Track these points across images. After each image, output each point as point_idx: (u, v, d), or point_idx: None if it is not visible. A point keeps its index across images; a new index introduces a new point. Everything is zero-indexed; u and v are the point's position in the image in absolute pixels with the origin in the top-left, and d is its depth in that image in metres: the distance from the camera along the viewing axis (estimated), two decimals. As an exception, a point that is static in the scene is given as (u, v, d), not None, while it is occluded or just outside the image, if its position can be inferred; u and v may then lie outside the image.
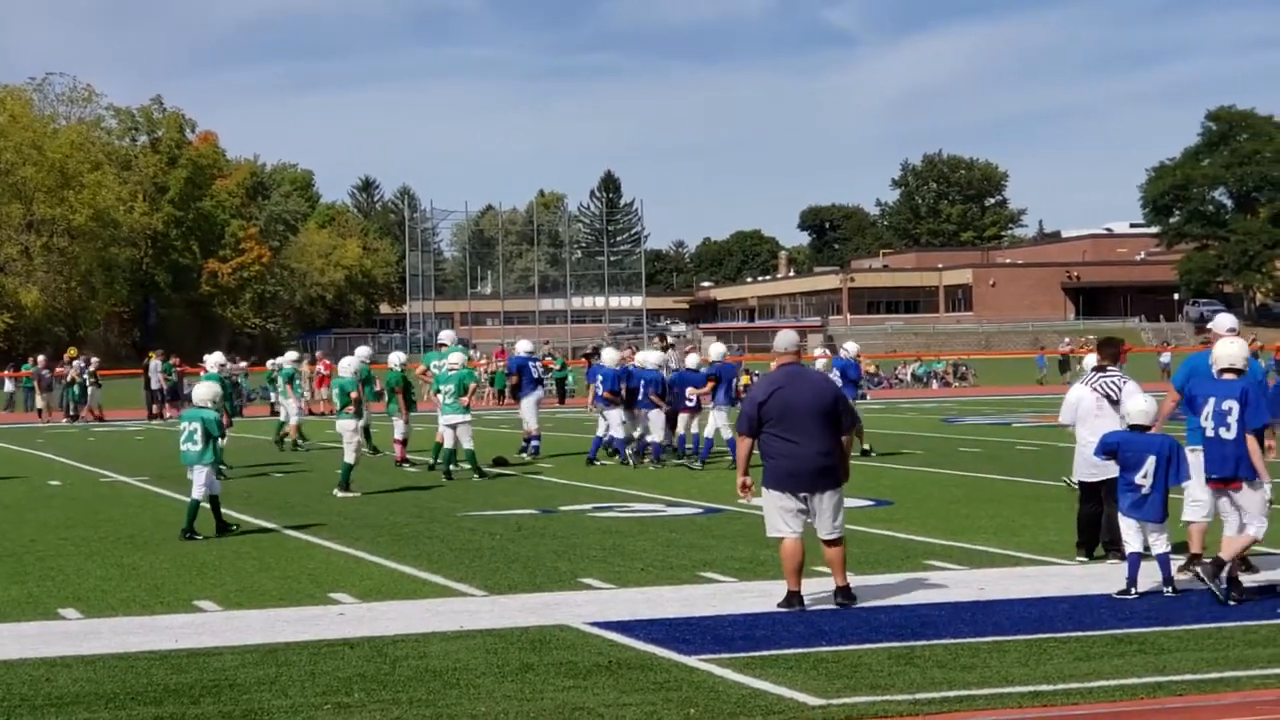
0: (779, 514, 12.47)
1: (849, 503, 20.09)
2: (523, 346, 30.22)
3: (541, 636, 11.38)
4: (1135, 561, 12.71)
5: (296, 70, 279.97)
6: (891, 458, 27.97)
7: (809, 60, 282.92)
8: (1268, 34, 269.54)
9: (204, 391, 18.86)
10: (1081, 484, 14.94)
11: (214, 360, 27.20)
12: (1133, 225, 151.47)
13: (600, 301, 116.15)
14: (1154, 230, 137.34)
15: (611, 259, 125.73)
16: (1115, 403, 14.44)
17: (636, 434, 27.00)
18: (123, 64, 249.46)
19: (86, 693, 9.78)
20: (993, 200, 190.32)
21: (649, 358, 27.86)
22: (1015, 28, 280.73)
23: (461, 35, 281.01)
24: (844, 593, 12.53)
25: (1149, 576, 12.73)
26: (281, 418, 34.09)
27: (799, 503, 12.42)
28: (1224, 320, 14.53)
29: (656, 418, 26.65)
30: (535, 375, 29.32)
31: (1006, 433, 34.95)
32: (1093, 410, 14.71)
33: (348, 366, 23.75)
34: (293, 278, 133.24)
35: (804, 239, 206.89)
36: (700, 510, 19.76)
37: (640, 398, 26.73)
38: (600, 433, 27.59)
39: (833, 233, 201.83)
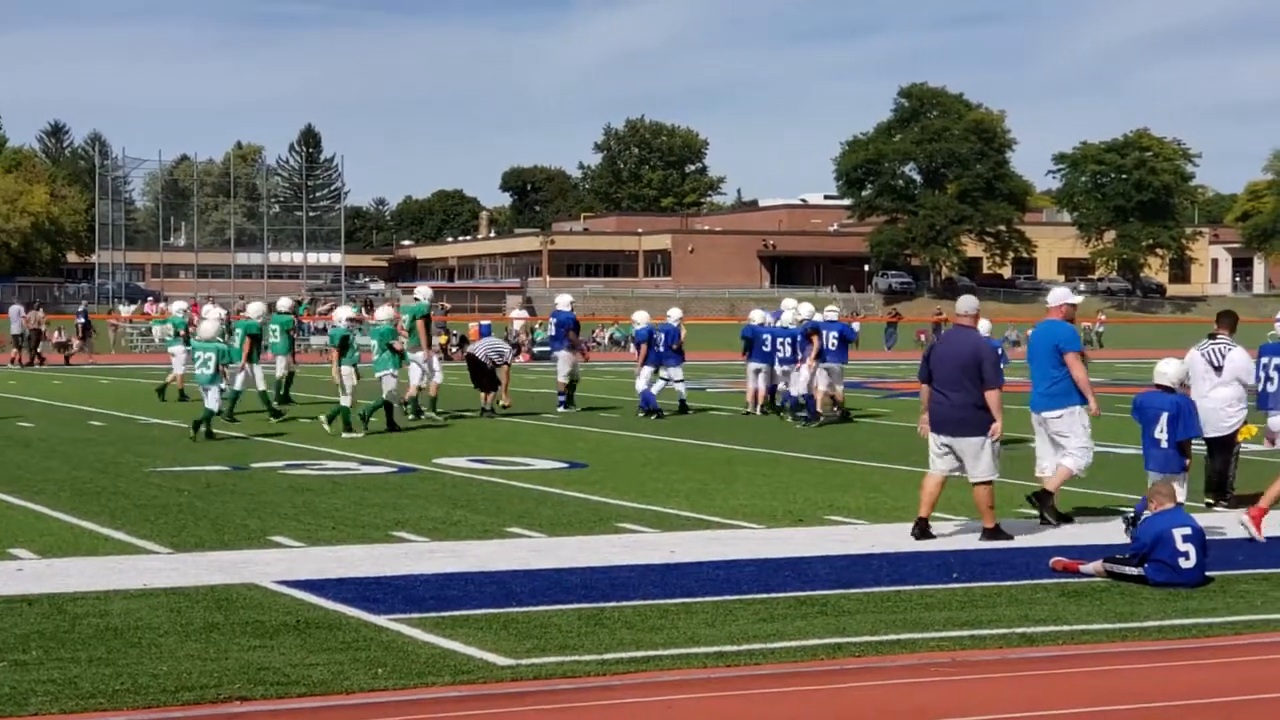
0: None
1: (542, 464, 20.33)
2: (563, 301, 31.14)
3: (228, 595, 11.20)
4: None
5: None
6: (587, 419, 28.17)
7: (516, 19, 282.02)
8: (960, 12, 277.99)
9: (210, 328, 23.94)
10: (1207, 440, 16.12)
11: None
12: (827, 197, 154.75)
13: (298, 257, 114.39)
14: (847, 203, 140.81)
15: (310, 215, 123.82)
16: (1218, 369, 16.11)
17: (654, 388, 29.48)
18: None
19: None
20: (693, 167, 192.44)
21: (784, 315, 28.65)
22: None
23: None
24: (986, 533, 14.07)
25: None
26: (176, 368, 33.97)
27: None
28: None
29: (801, 374, 27.27)
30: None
31: (700, 397, 35.42)
32: (1201, 373, 16.24)
33: (383, 314, 25.98)
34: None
35: (506, 200, 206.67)
36: (394, 469, 19.64)
37: (768, 351, 28.32)
38: (795, 391, 27.93)
39: (534, 194, 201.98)
